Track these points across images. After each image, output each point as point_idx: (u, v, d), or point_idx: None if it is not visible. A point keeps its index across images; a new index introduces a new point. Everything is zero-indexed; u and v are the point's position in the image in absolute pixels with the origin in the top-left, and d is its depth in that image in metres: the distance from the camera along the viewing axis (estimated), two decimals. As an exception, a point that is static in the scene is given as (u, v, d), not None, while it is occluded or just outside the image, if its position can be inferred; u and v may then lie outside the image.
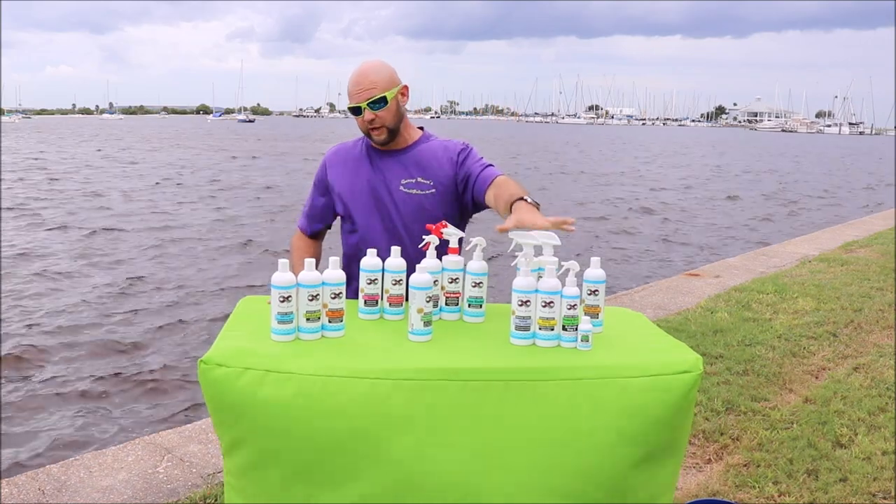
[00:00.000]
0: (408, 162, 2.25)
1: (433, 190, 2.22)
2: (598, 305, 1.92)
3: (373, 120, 2.16)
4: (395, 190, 2.23)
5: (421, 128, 2.35)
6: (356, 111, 2.17)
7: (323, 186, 2.36)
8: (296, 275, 1.76)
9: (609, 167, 32.00)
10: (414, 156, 2.26)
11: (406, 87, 2.23)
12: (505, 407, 1.62)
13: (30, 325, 6.95)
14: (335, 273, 1.79)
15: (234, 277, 9.38)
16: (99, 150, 36.62)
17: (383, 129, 2.18)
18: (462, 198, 2.26)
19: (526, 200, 1.94)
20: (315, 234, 2.42)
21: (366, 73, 2.16)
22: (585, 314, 1.86)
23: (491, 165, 2.25)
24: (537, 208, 1.93)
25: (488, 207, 2.22)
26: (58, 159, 29.70)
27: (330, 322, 1.79)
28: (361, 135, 2.32)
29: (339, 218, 2.38)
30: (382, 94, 2.15)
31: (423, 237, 2.00)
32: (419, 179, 2.23)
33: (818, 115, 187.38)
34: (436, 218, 2.15)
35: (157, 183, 20.84)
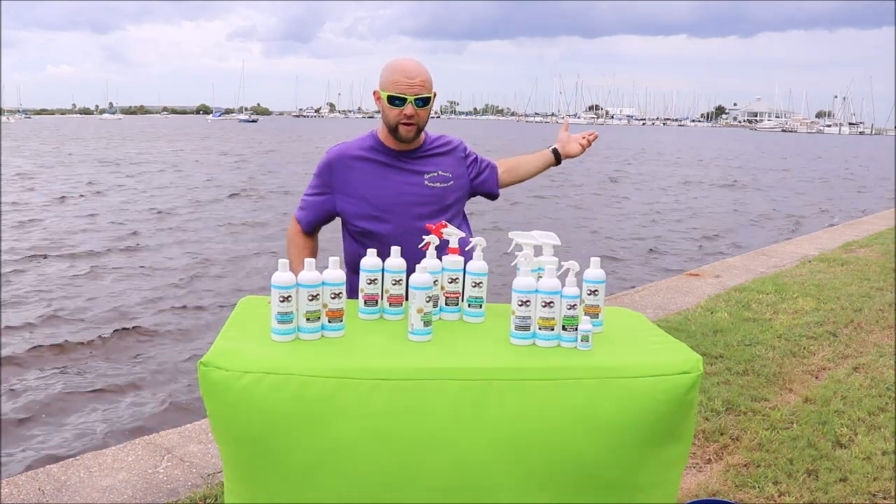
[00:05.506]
0: (428, 158, 2.33)
1: (451, 182, 2.33)
2: (598, 305, 1.92)
3: (412, 116, 2.19)
4: (422, 185, 2.28)
5: None
6: (399, 102, 2.18)
7: (328, 186, 2.33)
8: (294, 272, 1.76)
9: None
10: (430, 151, 2.34)
11: (435, 93, 2.29)
12: (505, 407, 1.62)
13: (32, 323, 6.95)
14: (335, 273, 1.79)
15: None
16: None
17: (415, 127, 2.23)
18: (469, 186, 2.42)
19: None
20: (313, 230, 2.41)
21: (417, 69, 2.20)
22: (585, 314, 1.86)
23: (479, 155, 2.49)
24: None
25: (491, 193, 2.48)
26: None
27: (330, 322, 1.79)
28: (360, 135, 2.34)
29: (339, 219, 2.38)
30: (429, 94, 2.22)
31: (423, 237, 2.00)
32: (440, 172, 2.31)
33: (818, 115, 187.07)
34: (455, 208, 2.32)
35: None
